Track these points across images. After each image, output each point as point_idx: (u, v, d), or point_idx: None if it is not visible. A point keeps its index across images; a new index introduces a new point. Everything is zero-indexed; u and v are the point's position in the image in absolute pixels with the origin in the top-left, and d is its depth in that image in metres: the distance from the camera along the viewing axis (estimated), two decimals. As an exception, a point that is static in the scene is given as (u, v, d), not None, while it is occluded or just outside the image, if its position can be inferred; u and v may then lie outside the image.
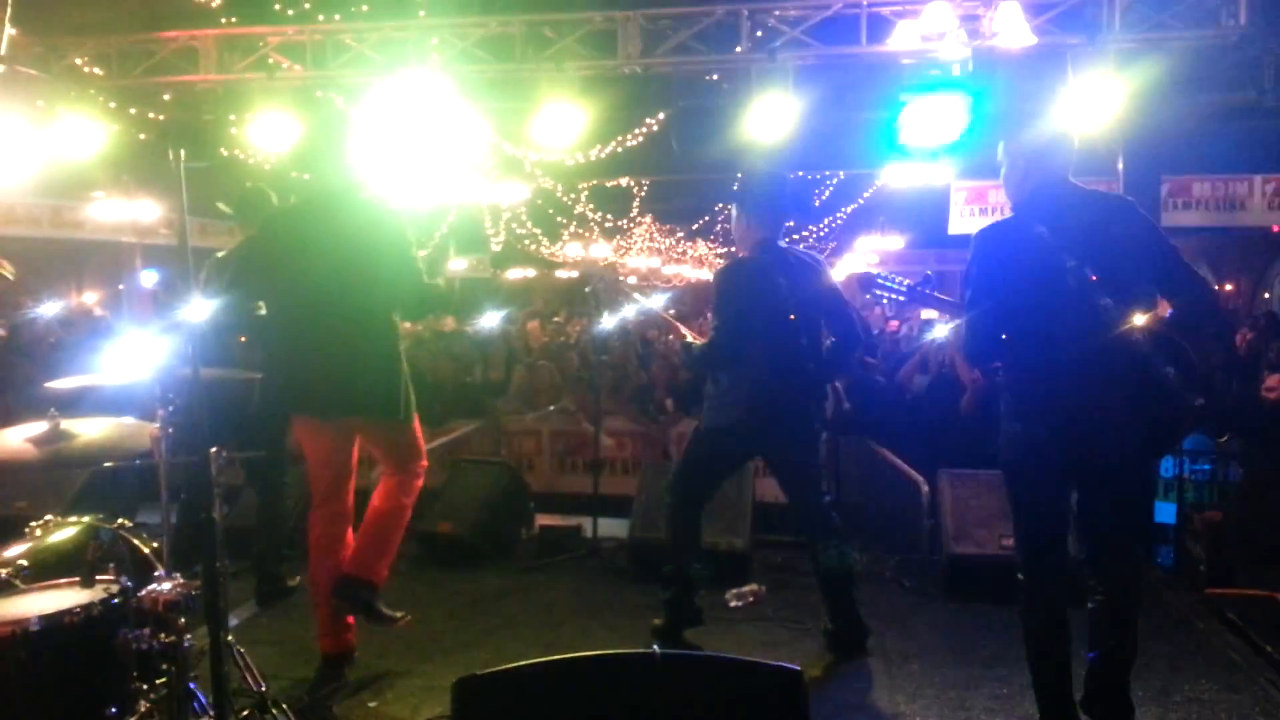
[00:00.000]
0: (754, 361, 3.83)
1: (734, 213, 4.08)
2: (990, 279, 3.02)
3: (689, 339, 4.13)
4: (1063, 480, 2.98)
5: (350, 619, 3.63)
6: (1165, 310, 3.01)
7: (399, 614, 3.71)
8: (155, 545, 2.96)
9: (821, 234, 19.94)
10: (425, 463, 3.83)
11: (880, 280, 3.53)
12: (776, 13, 6.50)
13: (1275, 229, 11.17)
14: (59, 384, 3.32)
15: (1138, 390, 2.90)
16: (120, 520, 3.06)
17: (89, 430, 3.05)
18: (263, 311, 3.86)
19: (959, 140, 6.06)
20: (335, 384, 3.51)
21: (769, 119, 6.21)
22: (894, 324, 11.68)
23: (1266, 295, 14.06)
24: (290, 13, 7.48)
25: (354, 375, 3.51)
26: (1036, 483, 3.00)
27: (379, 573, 3.61)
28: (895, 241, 19.67)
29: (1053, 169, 3.08)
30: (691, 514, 4.05)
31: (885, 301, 3.62)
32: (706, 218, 19.42)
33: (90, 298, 15.69)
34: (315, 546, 3.63)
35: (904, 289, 3.46)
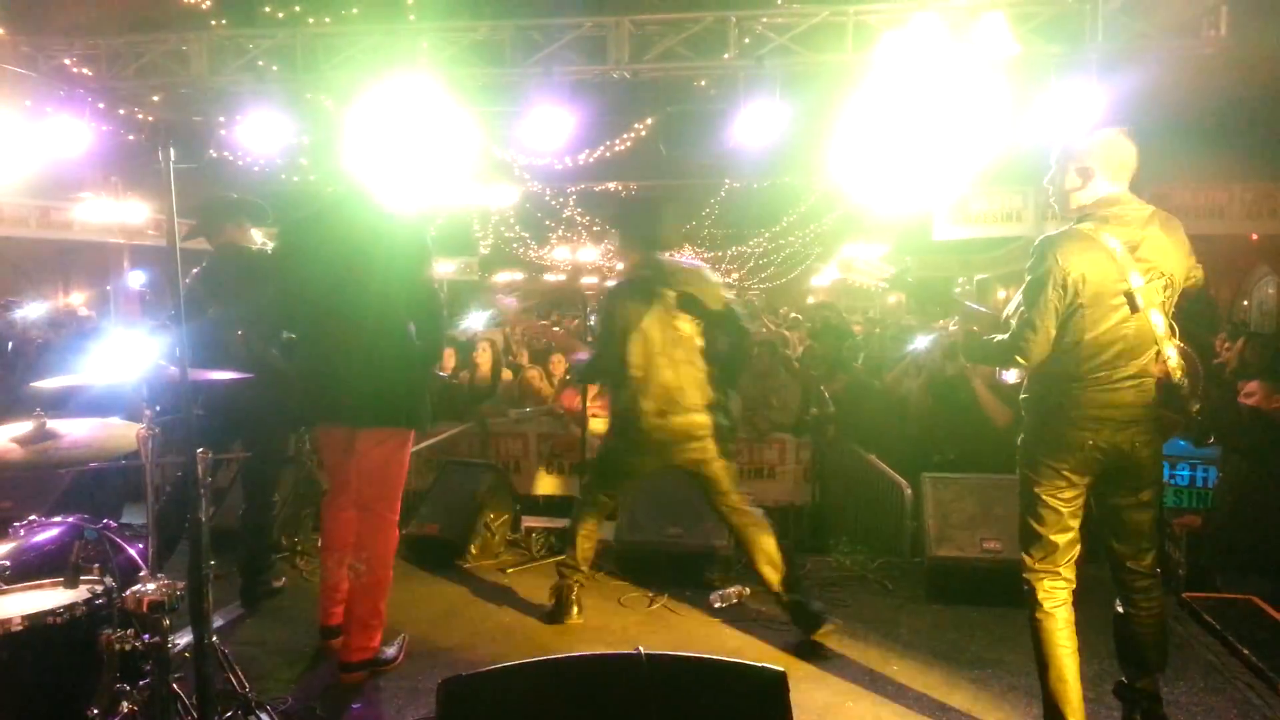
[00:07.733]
0: (636, 375, 3.94)
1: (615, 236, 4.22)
2: (1061, 287, 2.87)
3: (580, 355, 4.26)
4: (1088, 486, 2.99)
5: (343, 596, 3.83)
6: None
7: (393, 651, 3.88)
8: (140, 546, 2.96)
9: (806, 239, 20.00)
10: (396, 519, 3.83)
11: (861, 264, 3.47)
12: (764, 20, 6.54)
13: (1254, 237, 11.26)
14: (45, 384, 3.32)
15: (1157, 396, 2.91)
16: (105, 520, 3.06)
17: (75, 430, 3.06)
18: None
19: None
20: (338, 392, 3.65)
21: (756, 124, 6.25)
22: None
23: (1246, 303, 14.18)
24: (280, 15, 7.48)
25: (355, 384, 3.62)
26: (1066, 487, 2.97)
27: (371, 646, 3.73)
28: (878, 249, 19.74)
29: (1126, 175, 2.96)
30: (591, 514, 4.26)
31: (866, 281, 3.47)
32: (693, 222, 19.46)
33: (78, 298, 15.62)
34: (324, 528, 3.99)
35: (887, 274, 3.37)
